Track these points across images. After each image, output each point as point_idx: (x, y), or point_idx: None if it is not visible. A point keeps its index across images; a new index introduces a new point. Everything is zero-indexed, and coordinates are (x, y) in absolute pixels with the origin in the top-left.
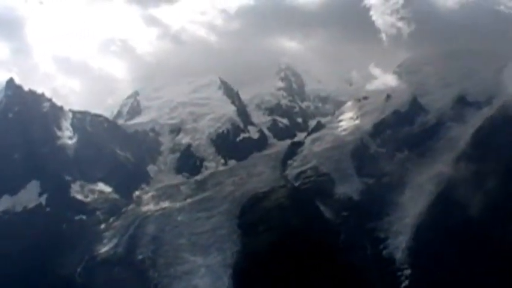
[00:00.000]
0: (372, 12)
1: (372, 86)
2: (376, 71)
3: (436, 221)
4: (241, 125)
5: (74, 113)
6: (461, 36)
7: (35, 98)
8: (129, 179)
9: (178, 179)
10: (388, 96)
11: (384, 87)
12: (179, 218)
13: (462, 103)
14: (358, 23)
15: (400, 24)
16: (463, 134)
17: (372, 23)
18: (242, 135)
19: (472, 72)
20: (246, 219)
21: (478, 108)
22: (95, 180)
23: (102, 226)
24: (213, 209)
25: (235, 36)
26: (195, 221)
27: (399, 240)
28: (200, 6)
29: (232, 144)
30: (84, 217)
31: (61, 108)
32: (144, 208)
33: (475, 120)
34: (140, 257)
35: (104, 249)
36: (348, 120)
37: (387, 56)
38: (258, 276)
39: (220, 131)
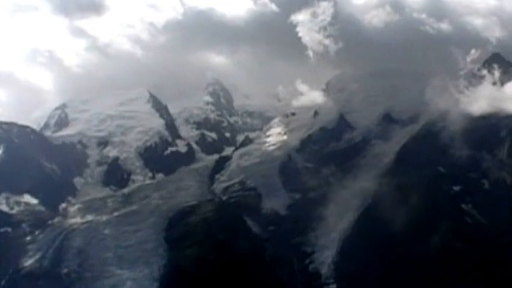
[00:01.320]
0: (298, 29)
1: (298, 102)
2: (303, 87)
3: (361, 236)
4: (170, 139)
5: (0, 124)
6: (387, 55)
7: None
8: (56, 191)
9: (105, 191)
10: (316, 113)
11: (310, 103)
12: (106, 231)
13: (388, 121)
14: (285, 39)
15: (327, 41)
16: (388, 150)
17: (299, 39)
18: (170, 149)
19: (397, 90)
20: (173, 233)
21: (402, 126)
22: (20, 192)
23: (28, 238)
24: (140, 223)
25: (162, 50)
26: (122, 234)
27: (325, 255)
28: (128, 19)
29: (160, 157)
30: (9, 229)
31: None
32: (70, 221)
33: (400, 137)
34: (66, 270)
35: (29, 262)
36: (275, 136)
37: (314, 72)
38: None
39: (148, 144)
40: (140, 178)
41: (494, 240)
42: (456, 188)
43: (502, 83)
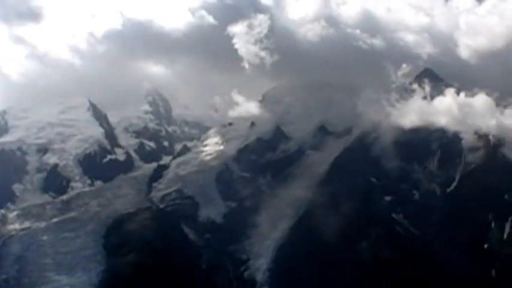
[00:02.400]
0: (235, 41)
1: (235, 112)
2: (239, 98)
3: (295, 244)
4: (109, 147)
5: None
6: (322, 69)
7: None
8: None
9: (44, 198)
10: (252, 124)
11: (247, 114)
12: (44, 238)
13: (322, 132)
14: (222, 50)
15: (263, 53)
16: (322, 161)
17: (236, 51)
18: (109, 157)
19: (331, 103)
20: (111, 239)
21: (337, 137)
22: None
23: None
24: (79, 229)
25: (101, 60)
26: (61, 241)
27: (260, 262)
28: (66, 28)
29: (98, 165)
30: None
31: None
32: (9, 227)
33: (334, 148)
34: (4, 276)
35: None
36: (213, 145)
37: (250, 84)
38: None
39: (88, 152)
40: (79, 185)
41: (424, 250)
42: (387, 198)
43: (432, 98)
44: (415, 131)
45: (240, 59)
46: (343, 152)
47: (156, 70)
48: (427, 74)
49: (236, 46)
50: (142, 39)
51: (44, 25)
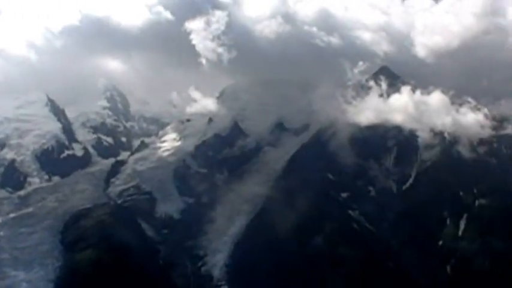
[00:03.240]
0: (192, 37)
1: (192, 108)
2: (196, 94)
3: (252, 239)
4: (66, 142)
5: None
6: (279, 66)
7: None
8: None
9: (1, 193)
10: (210, 120)
11: (204, 110)
12: (1, 233)
13: (280, 129)
14: (179, 46)
15: (220, 50)
16: (279, 157)
17: (193, 47)
18: (66, 152)
19: (289, 100)
20: (68, 235)
21: (294, 134)
22: None
23: None
24: (36, 225)
25: (58, 55)
26: (18, 236)
27: (217, 258)
28: (23, 23)
29: (56, 160)
30: None
31: None
32: None
33: (292, 145)
34: None
35: None
36: (170, 141)
37: (207, 80)
38: None
39: (45, 147)
40: (36, 181)
41: (380, 246)
42: (344, 195)
43: (389, 95)
44: (372, 128)
45: (197, 55)
46: (300, 148)
47: (113, 66)
48: (383, 72)
49: (193, 42)
50: (99, 35)
51: (0, 20)
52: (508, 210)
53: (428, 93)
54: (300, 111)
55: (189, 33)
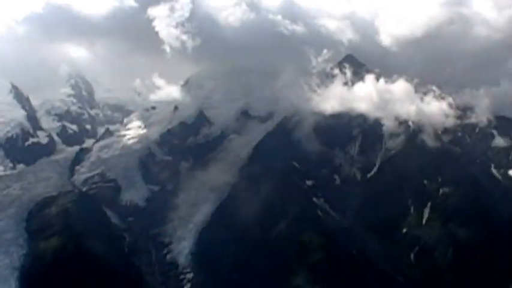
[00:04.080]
0: (155, 23)
1: (156, 96)
2: (160, 81)
3: (217, 227)
4: (31, 130)
5: None
6: (243, 54)
7: None
8: None
9: None
10: (176, 108)
11: (168, 98)
12: None
13: (245, 117)
14: (142, 33)
15: (184, 37)
16: (244, 145)
17: (156, 34)
18: (31, 140)
19: (254, 88)
20: (33, 223)
21: (259, 122)
22: None
23: None
24: (0, 213)
25: (21, 42)
26: None
27: (182, 245)
28: None
29: (20, 148)
30: None
31: None
32: None
33: (257, 133)
34: None
35: None
36: (135, 129)
37: (171, 67)
38: (44, 279)
39: (10, 135)
40: (1, 168)
41: (344, 234)
42: (309, 183)
43: (353, 83)
44: (336, 116)
45: (160, 42)
46: (265, 136)
47: (77, 53)
48: (348, 60)
49: (157, 29)
50: (62, 22)
51: None
52: (472, 199)
53: (393, 81)
54: (265, 99)
55: (152, 20)
